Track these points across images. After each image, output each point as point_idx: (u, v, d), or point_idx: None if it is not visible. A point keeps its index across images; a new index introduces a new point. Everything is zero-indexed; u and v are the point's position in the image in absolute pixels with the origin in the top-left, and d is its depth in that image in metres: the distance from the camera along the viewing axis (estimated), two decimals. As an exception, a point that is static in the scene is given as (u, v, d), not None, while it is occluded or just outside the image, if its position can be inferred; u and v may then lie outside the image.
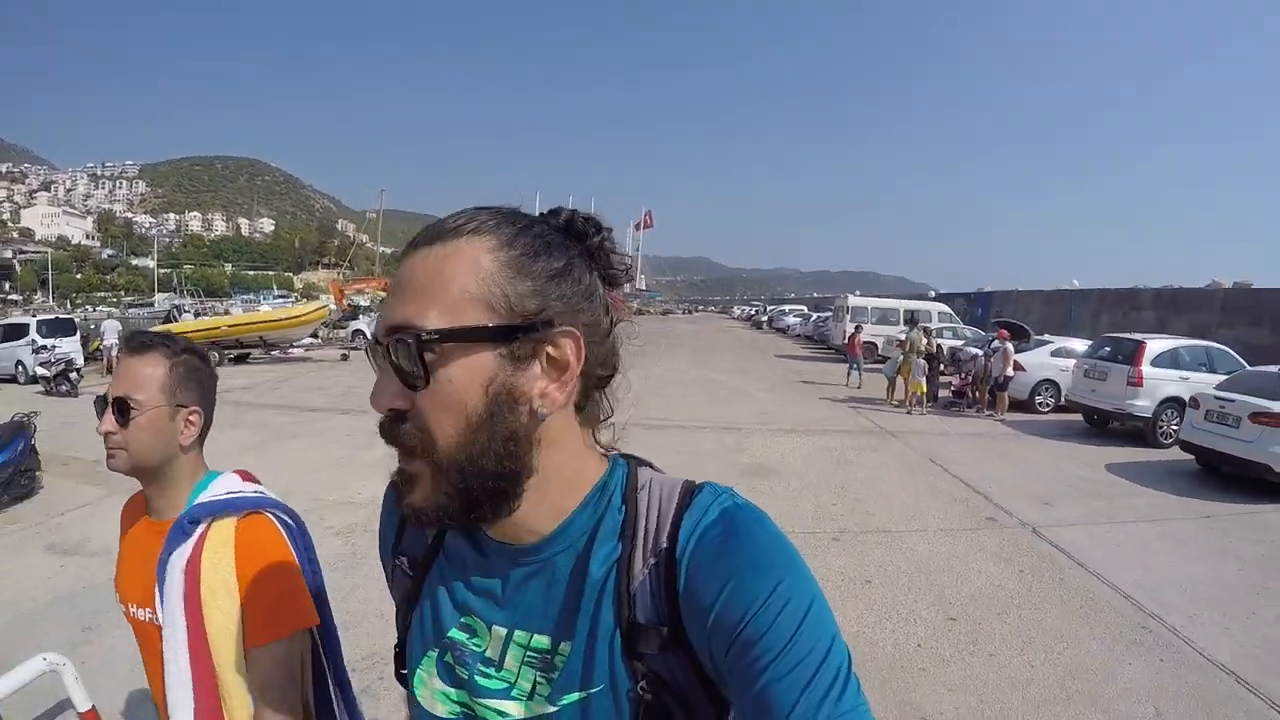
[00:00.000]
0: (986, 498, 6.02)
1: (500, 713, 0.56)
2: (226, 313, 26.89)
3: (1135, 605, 3.92)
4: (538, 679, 0.55)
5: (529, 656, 0.56)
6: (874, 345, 17.20)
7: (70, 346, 12.96)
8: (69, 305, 78.45)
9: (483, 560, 0.58)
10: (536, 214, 0.56)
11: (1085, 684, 3.08)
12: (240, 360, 16.87)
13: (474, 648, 0.58)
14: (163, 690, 0.97)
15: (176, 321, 19.82)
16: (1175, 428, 8.21)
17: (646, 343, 21.50)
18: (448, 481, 0.49)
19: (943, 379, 12.03)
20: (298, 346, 18.27)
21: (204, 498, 1.02)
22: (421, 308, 0.48)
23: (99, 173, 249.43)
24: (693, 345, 24.08)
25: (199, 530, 0.99)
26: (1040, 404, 11.11)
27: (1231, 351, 9.43)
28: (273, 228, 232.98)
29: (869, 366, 14.81)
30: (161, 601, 0.97)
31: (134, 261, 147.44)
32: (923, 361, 10.67)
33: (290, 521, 1.08)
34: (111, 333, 15.24)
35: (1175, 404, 8.44)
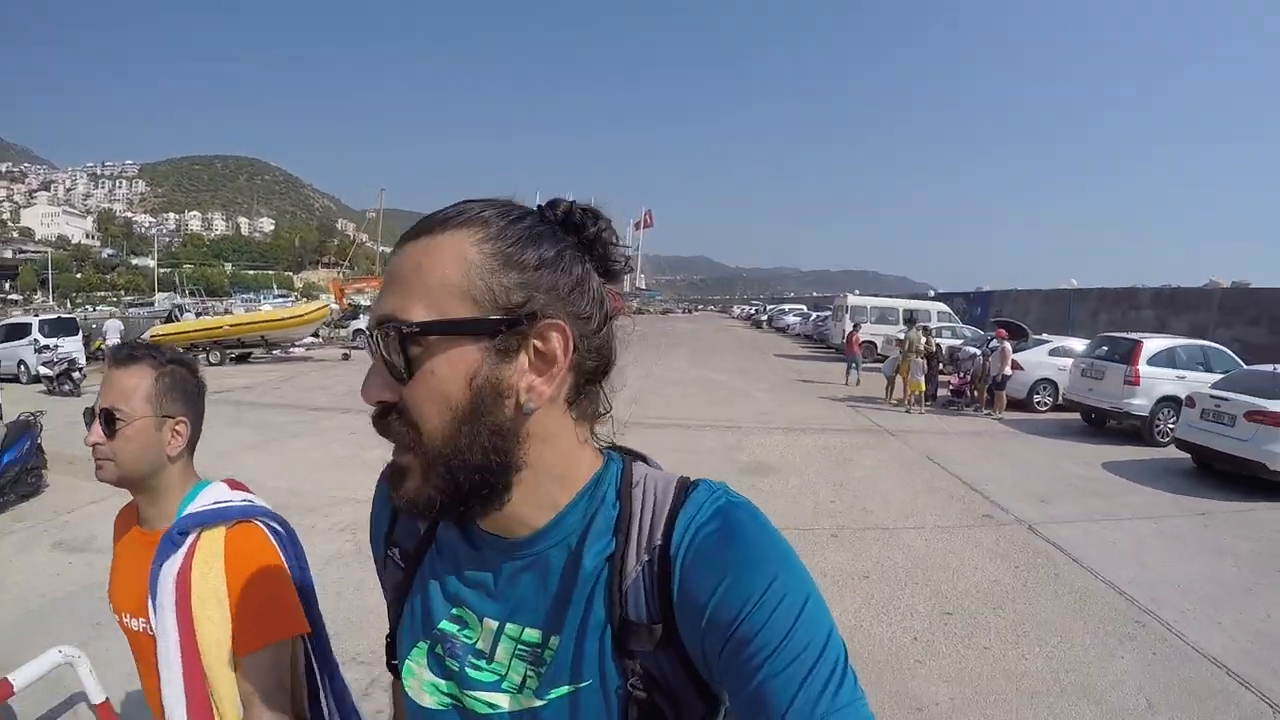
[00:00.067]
0: (984, 495, 6.07)
1: (490, 704, 0.56)
2: (228, 312, 26.93)
3: (1129, 600, 3.97)
4: (528, 672, 0.55)
5: (520, 649, 0.56)
6: (873, 344, 17.24)
7: (72, 346, 13.05)
8: (69, 305, 78.50)
9: (475, 553, 0.58)
10: (535, 206, 0.55)
11: (1078, 676, 3.13)
12: (242, 360, 16.91)
13: (465, 639, 0.58)
14: (159, 700, 0.98)
15: (178, 321, 19.89)
16: (1172, 426, 8.26)
17: (646, 342, 21.53)
18: (436, 474, 0.49)
19: (941, 378, 12.06)
20: (299, 346, 18.34)
21: (192, 508, 1.02)
22: (406, 300, 0.48)
23: (99, 172, 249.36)
24: (692, 345, 24.06)
25: (188, 541, 0.99)
26: (1038, 403, 11.16)
27: (1228, 351, 9.49)
28: (272, 227, 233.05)
29: (868, 365, 14.89)
30: (155, 613, 0.97)
31: (134, 261, 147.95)
32: (921, 360, 10.71)
33: (280, 529, 1.08)
34: (114, 332, 15.37)
35: (1172, 403, 8.50)
